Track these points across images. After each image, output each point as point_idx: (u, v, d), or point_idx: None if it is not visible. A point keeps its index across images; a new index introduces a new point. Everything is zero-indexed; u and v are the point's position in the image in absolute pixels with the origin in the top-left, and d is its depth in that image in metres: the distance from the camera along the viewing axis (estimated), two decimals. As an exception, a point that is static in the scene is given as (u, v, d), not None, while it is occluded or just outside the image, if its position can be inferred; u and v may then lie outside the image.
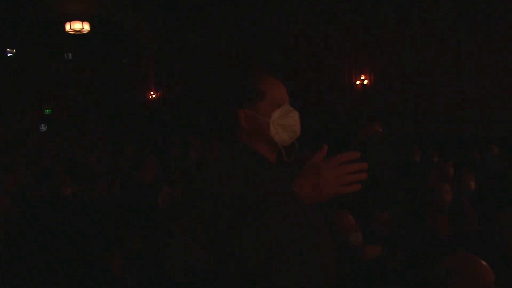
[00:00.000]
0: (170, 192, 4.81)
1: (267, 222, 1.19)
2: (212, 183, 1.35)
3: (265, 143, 1.46)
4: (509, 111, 7.52)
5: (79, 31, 12.53)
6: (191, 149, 7.93)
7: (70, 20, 12.40)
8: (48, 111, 17.89)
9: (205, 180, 1.39)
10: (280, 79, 1.53)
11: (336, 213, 2.67)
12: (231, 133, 1.52)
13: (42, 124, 17.55)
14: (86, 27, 12.52)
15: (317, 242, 1.42)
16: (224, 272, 1.32)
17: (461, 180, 4.48)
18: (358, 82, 9.94)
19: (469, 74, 8.05)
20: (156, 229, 4.13)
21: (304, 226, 1.21)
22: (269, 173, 1.43)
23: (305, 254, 1.36)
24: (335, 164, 1.17)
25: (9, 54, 17.50)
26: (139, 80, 17.50)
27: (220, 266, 1.32)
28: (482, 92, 7.89)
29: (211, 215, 1.30)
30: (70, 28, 12.43)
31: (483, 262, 1.67)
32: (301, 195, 1.19)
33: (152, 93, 16.74)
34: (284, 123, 1.43)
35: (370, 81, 9.78)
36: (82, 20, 12.46)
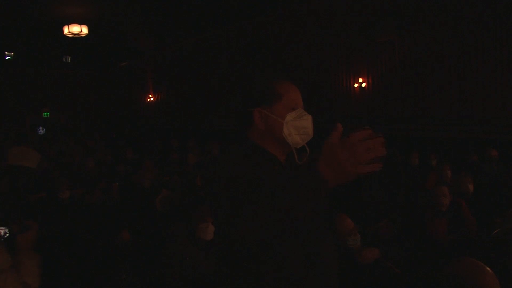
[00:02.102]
0: (168, 196, 4.81)
1: (284, 198, 1.19)
2: (224, 170, 1.37)
3: (277, 144, 1.49)
4: (509, 114, 7.51)
5: (77, 34, 12.52)
6: (189, 152, 7.92)
7: (68, 23, 12.40)
8: (46, 114, 17.89)
9: (217, 171, 1.40)
10: (297, 85, 1.56)
11: (335, 216, 2.68)
12: (243, 132, 1.55)
13: (40, 127, 17.56)
14: (85, 30, 12.52)
15: (321, 243, 1.45)
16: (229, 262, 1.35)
17: (459, 183, 4.50)
18: (356, 85, 9.95)
19: (468, 76, 8.04)
20: (154, 232, 4.13)
21: (323, 207, 1.18)
22: (279, 171, 1.47)
23: (310, 253, 1.38)
24: (349, 143, 1.15)
25: (7, 57, 17.49)
26: (137, 83, 17.51)
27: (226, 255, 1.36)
28: (481, 94, 7.88)
29: (223, 201, 1.31)
30: (68, 31, 12.43)
31: (489, 269, 1.62)
32: (324, 176, 1.17)
33: (150, 96, 16.73)
34: (297, 124, 1.46)
35: (368, 84, 9.77)
36: (80, 23, 12.45)
